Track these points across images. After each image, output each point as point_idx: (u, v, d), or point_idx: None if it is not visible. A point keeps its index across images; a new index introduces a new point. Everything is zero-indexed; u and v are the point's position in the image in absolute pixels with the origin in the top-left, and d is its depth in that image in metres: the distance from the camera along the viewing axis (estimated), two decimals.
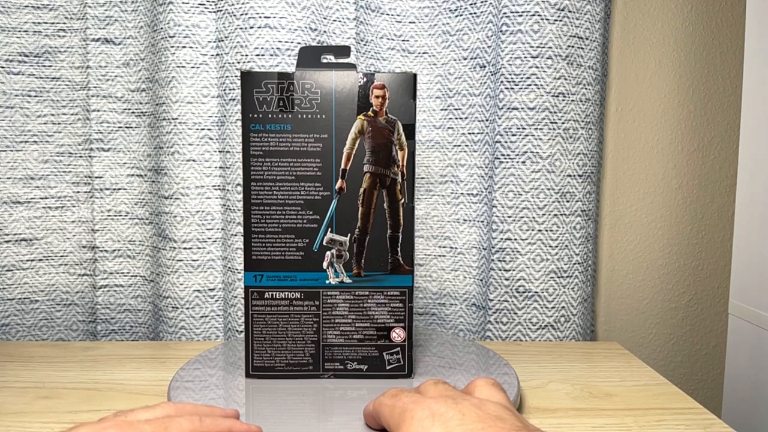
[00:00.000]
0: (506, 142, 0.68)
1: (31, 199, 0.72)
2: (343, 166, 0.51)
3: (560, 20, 0.66)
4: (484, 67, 0.71)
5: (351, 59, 0.69)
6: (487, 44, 0.70)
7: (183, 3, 0.67)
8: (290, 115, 0.50)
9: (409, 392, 0.38)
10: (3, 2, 0.69)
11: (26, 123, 0.71)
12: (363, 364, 0.52)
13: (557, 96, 0.67)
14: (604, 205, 0.79)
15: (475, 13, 0.71)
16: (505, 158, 0.69)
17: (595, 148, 0.71)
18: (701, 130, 0.79)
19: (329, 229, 0.51)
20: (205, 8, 0.68)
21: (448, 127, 0.74)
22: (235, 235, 0.68)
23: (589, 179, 0.70)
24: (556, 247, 0.69)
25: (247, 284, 0.51)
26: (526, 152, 0.68)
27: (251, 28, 0.65)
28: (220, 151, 0.70)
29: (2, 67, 0.70)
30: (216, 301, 0.71)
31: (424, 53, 0.73)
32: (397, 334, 0.52)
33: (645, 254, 0.80)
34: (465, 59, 0.72)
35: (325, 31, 0.68)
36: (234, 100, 0.67)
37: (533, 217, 0.69)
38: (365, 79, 0.50)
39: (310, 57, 0.50)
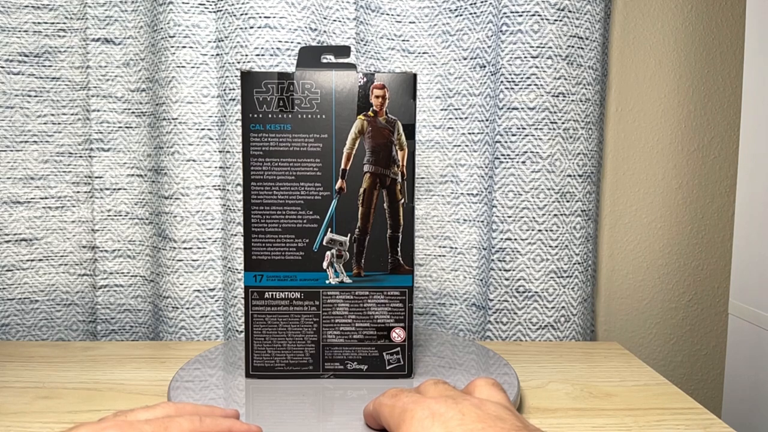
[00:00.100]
0: (506, 142, 0.68)
1: (31, 199, 0.72)
2: (343, 166, 0.51)
3: (560, 20, 0.66)
4: (484, 67, 0.71)
5: (351, 59, 0.69)
6: (487, 44, 0.70)
7: (183, 3, 0.67)
8: (290, 115, 0.50)
9: (409, 392, 0.38)
10: (3, 2, 0.69)
11: (26, 123, 0.71)
12: (363, 364, 0.52)
13: (557, 96, 0.67)
14: (604, 205, 0.79)
15: (475, 13, 0.71)
16: (505, 158, 0.69)
17: (595, 148, 0.71)
18: (701, 130, 0.79)
19: (329, 229, 0.51)
20: (205, 8, 0.68)
21: (448, 127, 0.74)
22: (235, 235, 0.68)
23: (589, 179, 0.70)
24: (556, 247, 0.69)
25: (247, 284, 0.51)
26: (526, 152, 0.68)
27: (251, 28, 0.65)
28: (220, 151, 0.70)
29: (2, 67, 0.70)
30: (216, 301, 0.71)
31: (424, 53, 0.73)
32: (397, 334, 0.52)
33: (645, 254, 0.80)
34: (465, 59, 0.72)
35: (325, 31, 0.68)
36: (234, 100, 0.67)
37: (533, 217, 0.69)
38: (365, 79, 0.50)
39: (310, 57, 0.50)
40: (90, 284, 0.74)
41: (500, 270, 0.70)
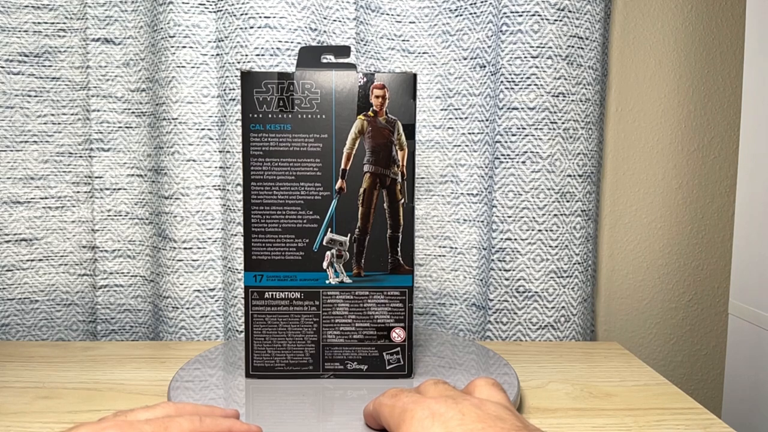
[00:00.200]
0: (506, 142, 0.68)
1: (31, 199, 0.72)
2: (343, 166, 0.51)
3: (560, 20, 0.66)
4: (484, 67, 0.71)
5: (351, 59, 0.69)
6: (487, 44, 0.70)
7: (183, 3, 0.67)
8: (290, 115, 0.50)
9: (409, 392, 0.38)
10: (3, 2, 0.69)
11: (26, 123, 0.71)
12: (363, 364, 0.52)
13: (557, 96, 0.67)
14: (604, 205, 0.79)
15: (475, 13, 0.71)
16: (505, 158, 0.69)
17: (595, 148, 0.71)
18: (701, 130, 0.79)
19: (329, 229, 0.51)
20: (205, 8, 0.68)
21: (448, 127, 0.74)
22: (235, 235, 0.68)
23: (589, 179, 0.70)
24: (556, 247, 0.69)
25: (247, 284, 0.51)
26: (526, 152, 0.68)
27: (251, 28, 0.65)
28: (220, 151, 0.70)
29: (2, 67, 0.70)
30: (216, 301, 0.71)
31: (424, 53, 0.73)
32: (397, 334, 0.52)
33: (645, 254, 0.80)
34: (465, 59, 0.72)
35: (325, 31, 0.68)
36: (234, 100, 0.67)
37: (533, 217, 0.69)
38: (365, 79, 0.50)
39: (310, 57, 0.50)
40: (90, 284, 0.74)
41: (500, 270, 0.70)
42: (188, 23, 0.68)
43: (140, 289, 0.75)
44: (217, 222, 0.70)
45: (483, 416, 0.34)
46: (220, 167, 0.70)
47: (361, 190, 0.51)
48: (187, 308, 0.70)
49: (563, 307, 0.70)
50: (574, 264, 0.70)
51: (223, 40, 0.67)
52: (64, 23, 0.71)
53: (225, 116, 0.68)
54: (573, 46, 0.67)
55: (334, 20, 0.68)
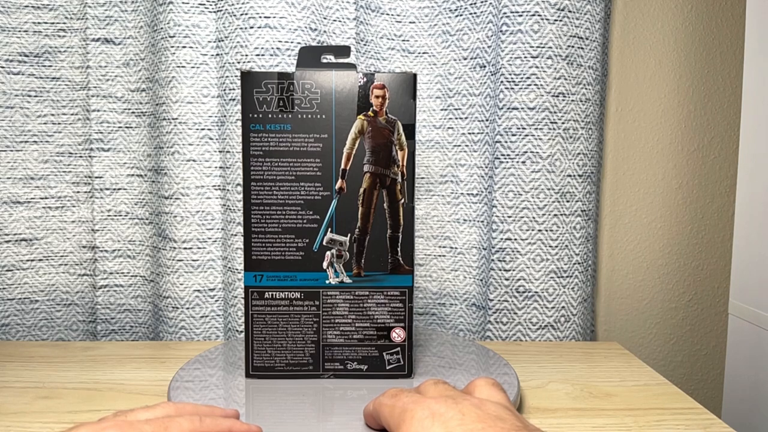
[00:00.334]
0: (506, 142, 0.68)
1: (31, 199, 0.72)
2: (343, 166, 0.51)
3: (560, 20, 0.66)
4: (484, 67, 0.71)
5: (351, 59, 0.69)
6: (487, 44, 0.70)
7: (183, 3, 0.67)
8: (290, 115, 0.50)
9: (409, 392, 0.38)
10: (3, 2, 0.69)
11: (26, 123, 0.71)
12: (363, 364, 0.52)
13: (557, 96, 0.67)
14: (604, 205, 0.79)
15: (475, 13, 0.71)
16: (505, 158, 0.69)
17: (595, 148, 0.71)
18: (701, 130, 0.79)
19: (329, 229, 0.51)
20: (205, 8, 0.68)
21: (448, 127, 0.74)
22: (235, 235, 0.68)
23: (589, 179, 0.70)
24: (556, 247, 0.69)
25: (247, 284, 0.51)
26: (526, 152, 0.68)
27: (251, 28, 0.65)
28: (220, 151, 0.70)
29: (2, 67, 0.70)
30: (216, 301, 0.71)
31: (424, 53, 0.73)
32: (397, 334, 0.52)
33: (645, 254, 0.80)
34: (465, 59, 0.72)
35: (325, 31, 0.68)
36: (234, 100, 0.67)
37: (533, 217, 0.69)
38: (365, 79, 0.50)
39: (310, 57, 0.50)
40: (90, 284, 0.74)
41: (500, 270, 0.70)
42: (188, 23, 0.68)
43: (140, 289, 0.75)
44: (217, 222, 0.70)
45: (483, 416, 0.34)
46: (220, 167, 0.70)
47: (361, 190, 0.51)
48: (187, 308, 0.70)
49: (563, 307, 0.70)
50: (574, 264, 0.70)
51: (223, 40, 0.67)
52: (64, 23, 0.71)
53: (225, 116, 0.68)
54: (573, 46, 0.67)
55: (334, 20, 0.68)
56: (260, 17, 0.65)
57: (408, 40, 0.73)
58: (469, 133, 0.72)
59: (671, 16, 0.77)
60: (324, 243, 0.51)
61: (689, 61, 0.78)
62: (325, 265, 0.51)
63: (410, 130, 0.51)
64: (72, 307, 0.74)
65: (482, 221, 0.72)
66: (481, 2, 0.70)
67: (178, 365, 0.61)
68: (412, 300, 0.52)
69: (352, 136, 0.50)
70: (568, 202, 0.69)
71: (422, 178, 0.74)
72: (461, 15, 0.72)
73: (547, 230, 0.69)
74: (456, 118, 0.73)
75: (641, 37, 0.77)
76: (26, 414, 0.49)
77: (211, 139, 0.69)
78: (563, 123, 0.68)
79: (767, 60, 0.61)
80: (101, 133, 0.73)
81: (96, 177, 0.73)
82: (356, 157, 0.51)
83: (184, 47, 0.68)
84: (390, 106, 0.50)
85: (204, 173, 0.70)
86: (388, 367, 0.52)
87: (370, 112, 0.50)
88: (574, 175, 0.69)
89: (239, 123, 0.67)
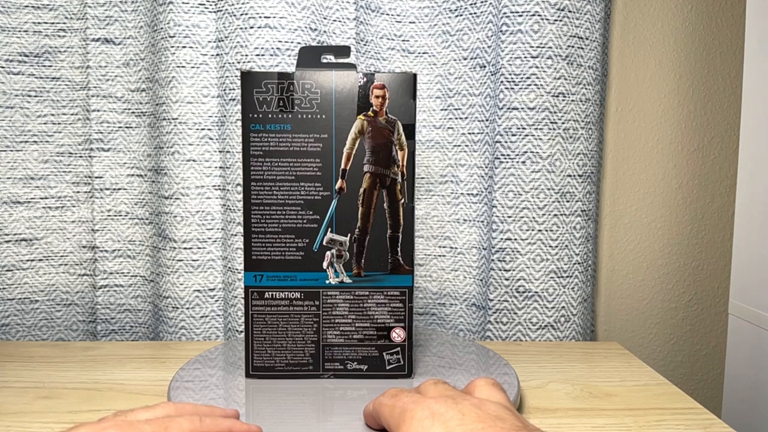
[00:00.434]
0: (506, 142, 0.68)
1: (31, 199, 0.72)
2: (343, 166, 0.51)
3: (560, 20, 0.66)
4: (484, 67, 0.71)
5: (351, 59, 0.69)
6: (487, 44, 0.70)
7: (183, 3, 0.67)
8: (290, 115, 0.50)
9: (409, 392, 0.38)
10: (3, 2, 0.69)
11: (26, 123, 0.71)
12: (363, 364, 0.52)
13: (557, 96, 0.67)
14: (604, 205, 0.79)
15: (475, 13, 0.71)
16: (505, 158, 0.69)
17: (595, 148, 0.71)
18: (701, 130, 0.79)
19: (329, 229, 0.51)
20: (205, 8, 0.68)
21: (448, 127, 0.74)
22: (235, 235, 0.68)
23: (589, 179, 0.70)
24: (556, 247, 0.69)
25: (247, 284, 0.51)
26: (526, 152, 0.68)
27: (251, 28, 0.65)
28: (220, 151, 0.70)
29: (2, 67, 0.70)
30: (216, 301, 0.71)
31: (424, 53, 0.73)
32: (397, 334, 0.52)
33: (645, 254, 0.80)
34: (465, 59, 0.72)
35: (325, 31, 0.68)
36: (234, 100, 0.67)
37: (533, 217, 0.69)
38: (365, 79, 0.50)
39: (310, 57, 0.50)
40: (90, 284, 0.74)
41: (500, 270, 0.70)
42: (188, 23, 0.68)
43: (140, 289, 0.75)
44: (217, 222, 0.70)
45: (483, 416, 0.34)
46: (220, 167, 0.70)
47: (361, 190, 0.51)
48: (187, 308, 0.70)
49: (563, 307, 0.70)
50: (574, 264, 0.70)
51: (223, 40, 0.67)
52: (64, 23, 0.71)
53: (225, 116, 0.68)
54: (573, 46, 0.67)
55: (334, 20, 0.68)
56: (260, 17, 0.65)
57: (408, 40, 0.73)
58: (469, 133, 0.72)
59: (671, 16, 0.77)
60: (324, 243, 0.51)
61: (689, 61, 0.78)
62: (325, 265, 0.51)
63: (410, 130, 0.51)
64: (72, 307, 0.74)
65: (482, 221, 0.72)
66: (481, 2, 0.70)
67: (178, 365, 0.61)
68: (412, 300, 0.52)
69: (352, 136, 0.50)
70: (568, 202, 0.69)
71: (422, 178, 0.74)
72: (461, 15, 0.72)
73: (547, 230, 0.69)
74: (456, 118, 0.73)
75: (641, 37, 0.77)
76: (26, 414, 0.49)
77: (211, 139, 0.69)
78: (563, 123, 0.68)
79: (767, 60, 0.61)
80: (101, 133, 0.73)
81: (96, 177, 0.73)
82: (356, 157, 0.51)
83: (184, 47, 0.68)
84: (390, 106, 0.50)
85: (204, 173, 0.70)
86: (388, 367, 0.52)
87: (370, 112, 0.50)
88: (574, 175, 0.69)
89: (239, 123, 0.67)
